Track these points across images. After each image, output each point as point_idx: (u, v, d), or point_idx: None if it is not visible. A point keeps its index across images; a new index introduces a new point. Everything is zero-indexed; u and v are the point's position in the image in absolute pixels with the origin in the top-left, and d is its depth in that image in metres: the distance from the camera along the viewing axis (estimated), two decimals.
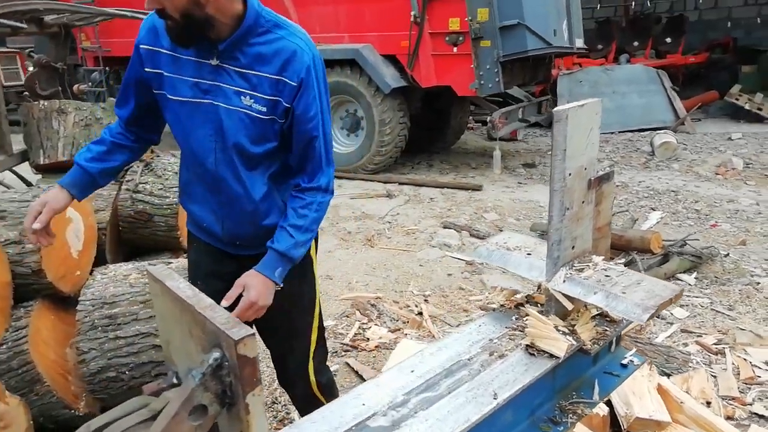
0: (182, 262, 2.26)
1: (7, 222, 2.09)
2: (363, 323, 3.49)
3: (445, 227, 5.12)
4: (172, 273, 0.79)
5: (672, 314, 3.42)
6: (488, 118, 6.40)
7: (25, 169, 2.75)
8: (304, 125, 1.49)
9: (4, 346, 1.95)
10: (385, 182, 6.55)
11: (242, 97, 1.46)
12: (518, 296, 1.46)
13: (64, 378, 2.09)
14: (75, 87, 9.98)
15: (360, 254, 4.63)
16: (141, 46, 1.56)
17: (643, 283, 1.24)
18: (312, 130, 1.50)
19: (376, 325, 3.47)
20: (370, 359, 3.12)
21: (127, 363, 2.01)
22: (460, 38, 5.89)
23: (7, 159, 2.49)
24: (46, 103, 2.57)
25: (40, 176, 2.70)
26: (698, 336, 3.18)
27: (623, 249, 3.88)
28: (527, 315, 1.31)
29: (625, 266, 3.64)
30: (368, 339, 3.31)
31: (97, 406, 2.10)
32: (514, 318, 1.38)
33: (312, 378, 1.81)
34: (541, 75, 7.12)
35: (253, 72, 1.45)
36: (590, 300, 1.24)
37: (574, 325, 1.33)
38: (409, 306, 3.70)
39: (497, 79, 5.84)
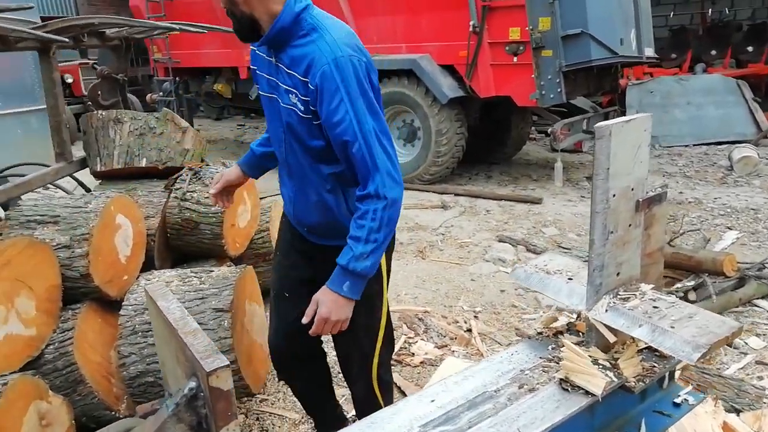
0: (224, 270, 2.27)
1: (60, 227, 2.17)
2: (409, 337, 3.41)
3: (500, 241, 4.97)
4: (166, 293, 0.76)
5: (746, 344, 3.14)
6: (549, 129, 6.19)
7: (86, 175, 2.87)
8: (332, 130, 1.51)
9: (51, 347, 2.01)
10: (441, 193, 6.45)
11: (290, 95, 1.56)
12: (558, 323, 1.35)
13: (107, 380, 2.13)
14: (148, 96, 10.51)
15: (411, 266, 4.56)
16: (251, 47, 1.71)
17: (696, 317, 1.11)
18: (342, 135, 1.50)
19: (422, 339, 3.38)
20: (414, 375, 3.03)
21: None
22: (521, 48, 5.73)
23: (67, 166, 2.60)
24: (104, 113, 2.67)
25: (98, 183, 2.81)
26: None
27: (693, 271, 3.61)
28: (564, 345, 1.20)
29: (694, 290, 3.44)
30: (413, 354, 3.23)
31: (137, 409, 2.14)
32: (550, 347, 1.27)
33: (374, 374, 1.85)
34: (607, 85, 6.82)
35: (292, 72, 1.54)
36: (634, 333, 1.11)
37: (618, 358, 1.21)
38: (457, 322, 3.58)
39: (559, 90, 5.63)
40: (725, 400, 2.47)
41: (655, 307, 1.16)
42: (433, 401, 1.13)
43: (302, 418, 2.68)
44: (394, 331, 3.47)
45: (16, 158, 2.95)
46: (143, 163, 2.66)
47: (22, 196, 2.55)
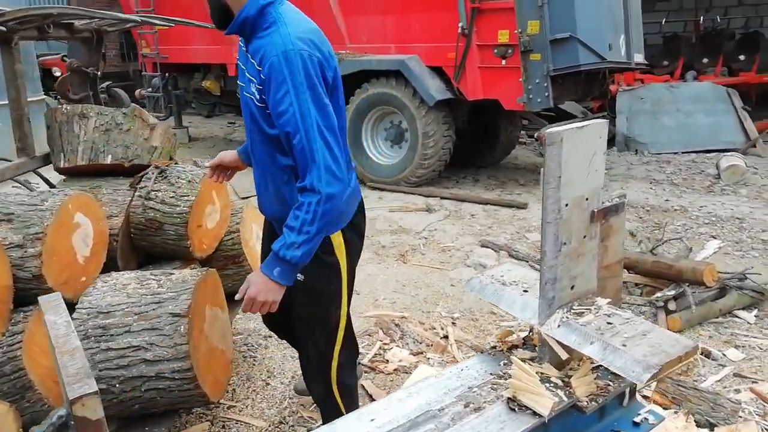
0: (185, 272, 2.20)
1: (13, 225, 2.09)
2: (385, 343, 3.35)
3: (483, 246, 4.91)
4: (58, 306, 0.70)
5: (725, 355, 3.09)
6: (536, 134, 6.15)
7: (51, 171, 2.78)
8: (277, 119, 1.56)
9: None
10: (426, 196, 6.39)
11: (251, 84, 1.65)
12: (513, 337, 1.29)
13: (58, 386, 2.05)
14: (137, 92, 10.40)
15: (391, 270, 4.49)
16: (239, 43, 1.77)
17: (650, 335, 1.05)
18: (284, 125, 1.54)
19: (398, 346, 3.31)
20: (387, 383, 2.97)
21: (117, 376, 1.95)
22: (509, 51, 5.68)
23: (29, 161, 2.52)
24: (69, 107, 2.59)
25: (62, 179, 2.73)
26: (753, 382, 2.84)
27: (674, 280, 3.56)
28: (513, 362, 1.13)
29: (674, 299, 3.39)
30: (387, 361, 3.16)
31: None
32: (502, 363, 1.21)
33: (333, 375, 1.89)
34: (596, 90, 6.78)
35: (253, 62, 1.62)
36: (585, 351, 1.05)
37: (572, 376, 1.14)
38: (435, 328, 3.52)
39: (546, 94, 5.58)
40: (700, 413, 2.42)
41: (609, 323, 1.10)
42: (372, 420, 1.06)
43: (269, 426, 2.61)
44: (370, 336, 3.42)
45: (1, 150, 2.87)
46: (108, 160, 2.58)
47: None
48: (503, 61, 5.77)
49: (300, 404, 2.74)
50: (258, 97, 1.62)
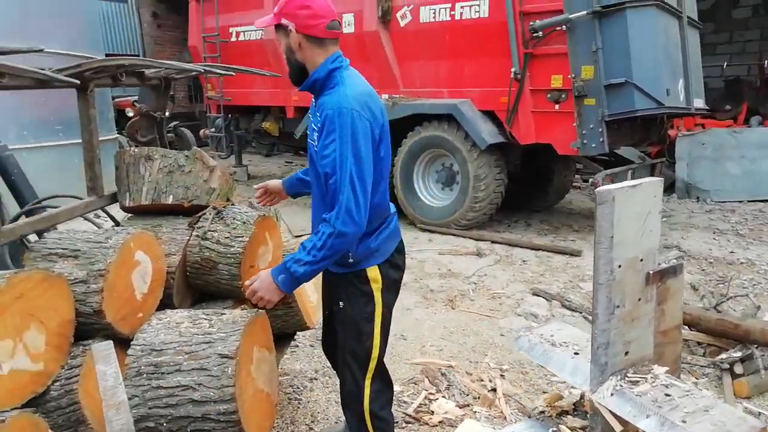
0: (235, 313, 2.24)
1: (79, 261, 2.19)
2: (430, 393, 3.27)
3: (534, 294, 4.79)
4: (109, 356, 0.72)
5: None
6: (591, 179, 6.02)
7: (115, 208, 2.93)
8: (320, 161, 1.87)
9: (57, 383, 2.00)
10: (477, 239, 6.33)
11: (314, 132, 1.97)
12: (564, 402, 1.23)
13: None
14: (201, 132, 10.89)
15: (439, 315, 4.43)
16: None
17: (713, 412, 0.98)
18: (325, 166, 1.84)
19: (443, 397, 3.23)
20: None
21: (165, 414, 1.98)
22: (563, 96, 5.64)
23: (98, 200, 2.66)
24: (136, 150, 2.74)
25: (126, 217, 2.86)
26: None
27: (740, 341, 3.33)
28: None
29: (741, 362, 3.16)
30: (433, 412, 3.08)
31: None
32: (551, 430, 1.16)
33: (366, 404, 2.08)
34: (654, 136, 6.61)
35: (317, 115, 1.94)
36: (641, 425, 1.00)
37: None
38: (482, 380, 3.42)
39: (601, 139, 5.49)
40: None
41: (667, 394, 1.04)
42: None
43: None
44: (416, 385, 3.36)
45: (74, 187, 3.06)
46: (170, 200, 2.69)
47: (60, 227, 2.61)
48: (556, 106, 5.74)
49: None
50: (316, 143, 1.91)
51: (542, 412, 1.21)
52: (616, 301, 1.02)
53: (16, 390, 1.85)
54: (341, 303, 2.05)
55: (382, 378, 2.16)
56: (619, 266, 1.01)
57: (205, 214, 2.63)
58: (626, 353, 1.09)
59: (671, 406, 1.01)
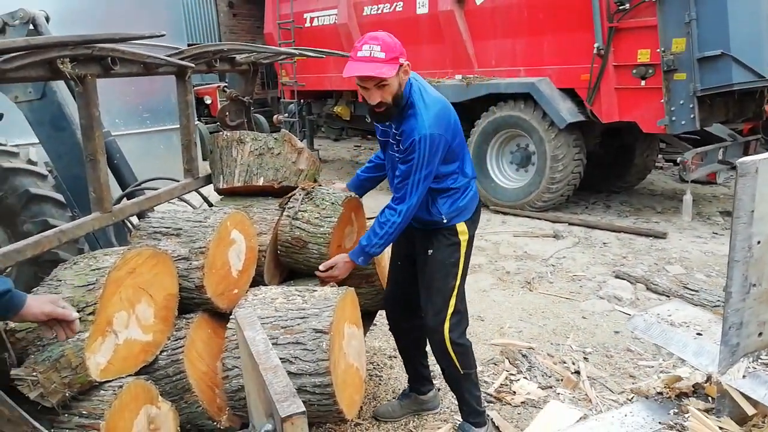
0: (326, 290, 2.30)
1: (181, 239, 2.31)
2: (511, 374, 3.25)
3: (617, 277, 4.62)
4: (254, 322, 0.76)
5: None
6: (679, 158, 5.71)
7: (210, 190, 3.05)
8: (401, 164, 2.28)
9: (164, 353, 2.13)
10: (553, 221, 6.18)
11: (394, 146, 2.35)
12: (683, 384, 1.19)
13: (212, 390, 2.22)
14: (274, 117, 11.16)
15: (516, 297, 4.37)
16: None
17: None
18: (401, 171, 2.27)
19: (525, 378, 3.20)
20: (514, 416, 2.87)
21: None
22: (650, 71, 5.36)
23: (194, 182, 2.78)
24: (228, 134, 2.84)
25: (219, 198, 2.98)
26: None
27: None
28: (689, 412, 1.04)
29: None
30: (515, 393, 3.06)
31: (237, 422, 2.20)
32: (672, 412, 1.11)
33: (446, 333, 2.40)
34: (750, 112, 6.16)
35: (398, 135, 2.31)
36: None
37: None
38: (564, 362, 3.36)
39: (692, 116, 5.18)
40: None
41: None
42: None
43: None
44: (496, 366, 3.34)
45: (158, 171, 3.21)
46: (261, 181, 2.78)
47: (155, 208, 2.76)
48: (643, 82, 5.46)
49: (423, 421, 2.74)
50: (400, 156, 2.29)
51: (660, 393, 1.17)
52: (753, 279, 0.97)
53: (130, 358, 1.98)
54: (430, 251, 2.41)
55: (461, 312, 2.47)
56: (758, 242, 0.95)
57: (294, 194, 2.70)
58: (760, 334, 1.03)
59: None
